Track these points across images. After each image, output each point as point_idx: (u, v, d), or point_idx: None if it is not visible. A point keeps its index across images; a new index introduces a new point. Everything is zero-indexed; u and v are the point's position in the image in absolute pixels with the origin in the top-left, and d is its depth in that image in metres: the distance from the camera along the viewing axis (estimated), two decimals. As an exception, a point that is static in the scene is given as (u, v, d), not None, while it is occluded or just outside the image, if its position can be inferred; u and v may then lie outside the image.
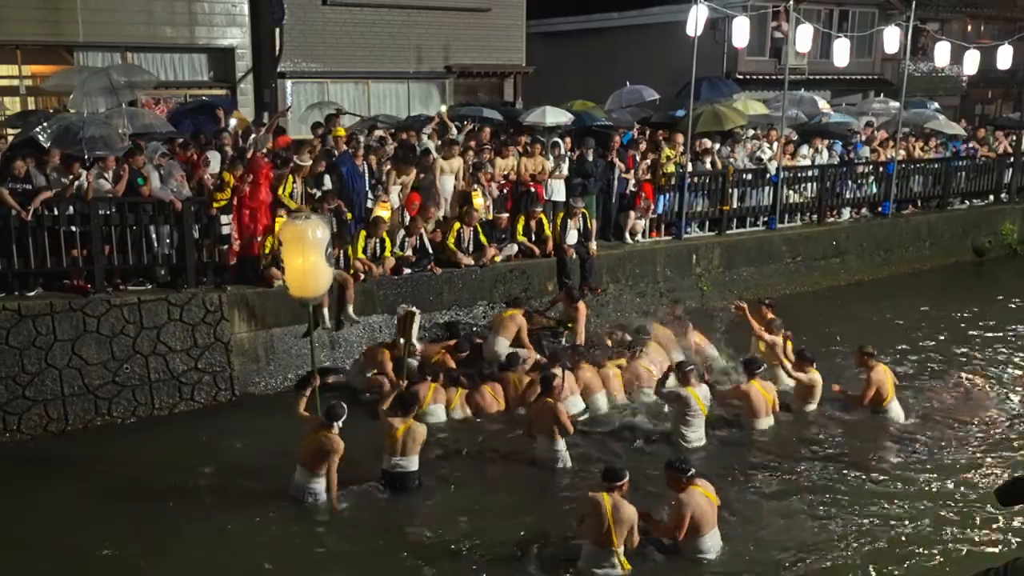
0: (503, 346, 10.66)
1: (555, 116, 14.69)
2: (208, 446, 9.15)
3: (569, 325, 11.36)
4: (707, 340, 11.49)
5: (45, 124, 10.37)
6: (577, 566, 6.83)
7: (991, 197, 19.24)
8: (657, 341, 11.08)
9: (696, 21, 13.86)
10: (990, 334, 13.02)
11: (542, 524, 7.55)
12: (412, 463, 8.08)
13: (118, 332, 9.69)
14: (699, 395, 9.05)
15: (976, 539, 7.40)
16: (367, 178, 11.58)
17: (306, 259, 8.03)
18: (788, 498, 8.13)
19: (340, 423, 7.76)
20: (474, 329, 11.62)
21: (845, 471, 8.64)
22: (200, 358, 10.06)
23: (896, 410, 9.74)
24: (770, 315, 10.95)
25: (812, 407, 9.84)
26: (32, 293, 9.68)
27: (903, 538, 7.42)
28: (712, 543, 7.02)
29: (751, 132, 16.45)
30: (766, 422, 9.42)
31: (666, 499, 7.23)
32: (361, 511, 7.78)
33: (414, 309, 9.97)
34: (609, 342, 11.31)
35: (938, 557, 7.17)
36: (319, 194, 10.91)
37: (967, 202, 18.87)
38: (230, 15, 17.42)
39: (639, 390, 10.28)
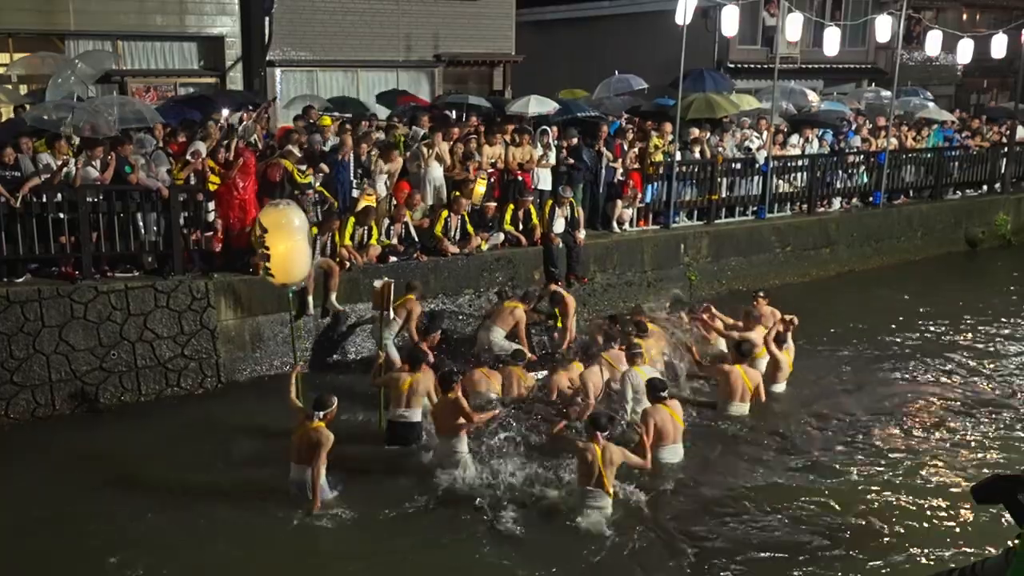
0: (498, 336, 10.46)
1: (540, 106, 14.69)
2: (193, 432, 9.19)
3: (558, 321, 11.22)
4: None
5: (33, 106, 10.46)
6: (571, 504, 7.40)
7: (984, 187, 19.24)
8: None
9: (685, 10, 13.87)
10: (982, 325, 13.01)
11: (539, 473, 7.98)
12: (415, 414, 8.50)
13: (105, 319, 9.76)
14: (646, 373, 9.05)
15: (946, 536, 7.31)
16: (352, 168, 11.62)
17: (290, 244, 8.02)
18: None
19: (322, 414, 7.46)
20: (460, 318, 11.66)
21: (822, 456, 8.72)
22: (186, 345, 10.12)
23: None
24: (764, 306, 10.90)
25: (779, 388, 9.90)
26: (20, 279, 9.75)
27: (872, 530, 7.44)
28: (671, 455, 8.20)
29: (747, 122, 16.41)
30: (740, 407, 9.38)
31: None
32: (350, 492, 7.78)
33: (389, 280, 9.79)
34: (600, 337, 10.93)
35: (908, 552, 7.13)
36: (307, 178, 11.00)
37: (959, 192, 18.85)
38: (220, 3, 17.47)
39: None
